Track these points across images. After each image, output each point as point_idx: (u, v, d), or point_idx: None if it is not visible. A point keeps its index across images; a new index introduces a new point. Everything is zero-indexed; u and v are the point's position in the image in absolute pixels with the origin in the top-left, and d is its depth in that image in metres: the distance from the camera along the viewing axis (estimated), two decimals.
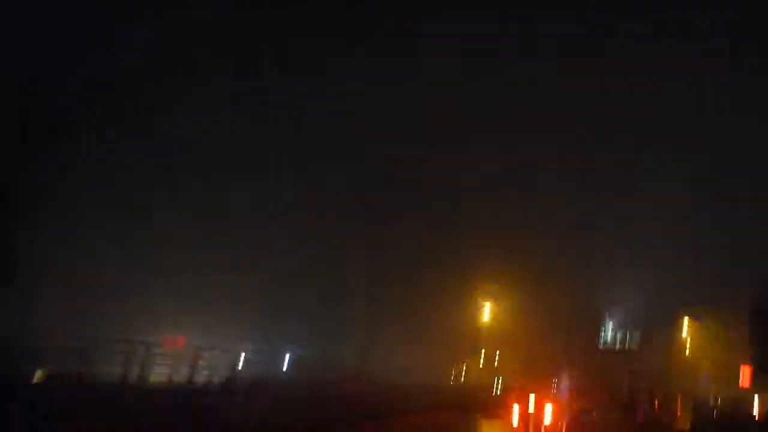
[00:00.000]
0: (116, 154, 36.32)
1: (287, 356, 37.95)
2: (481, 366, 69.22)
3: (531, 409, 26.18)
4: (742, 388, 49.75)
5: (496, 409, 32.07)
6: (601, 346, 61.51)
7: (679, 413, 35.21)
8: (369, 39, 50.80)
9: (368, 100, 49.89)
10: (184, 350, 28.48)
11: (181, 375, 25.11)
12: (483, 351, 67.55)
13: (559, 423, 26.54)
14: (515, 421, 26.53)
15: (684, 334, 53.87)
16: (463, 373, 56.78)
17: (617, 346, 61.59)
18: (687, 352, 53.58)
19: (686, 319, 52.28)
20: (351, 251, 50.31)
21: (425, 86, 53.01)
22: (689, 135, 57.17)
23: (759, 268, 28.92)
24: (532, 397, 26.42)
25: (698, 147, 55.23)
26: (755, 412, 41.91)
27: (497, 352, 66.99)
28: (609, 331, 62.95)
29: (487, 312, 47.81)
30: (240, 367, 32.02)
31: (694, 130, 56.98)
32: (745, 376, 48.85)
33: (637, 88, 57.89)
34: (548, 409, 25.68)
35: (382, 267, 52.57)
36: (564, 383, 43.61)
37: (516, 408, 26.42)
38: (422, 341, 56.91)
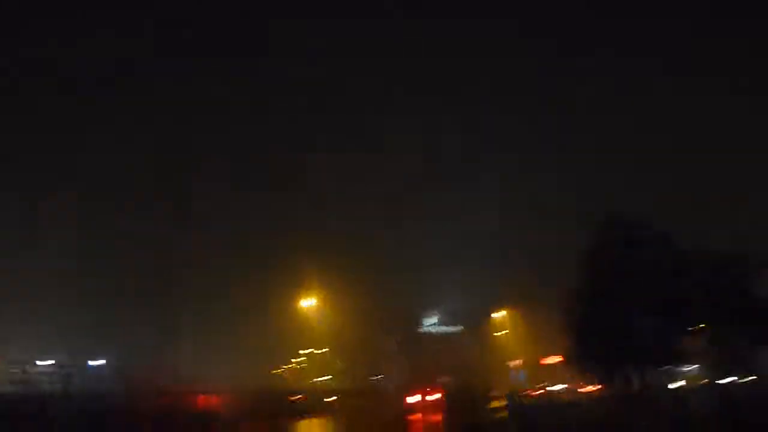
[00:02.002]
0: None
1: (90, 369, 37.61)
2: (303, 367, 66.42)
3: None
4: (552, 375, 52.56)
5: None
6: (422, 341, 61.90)
7: (497, 402, 35.50)
8: None
9: None
10: None
11: None
12: (309, 351, 64.91)
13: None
14: None
15: (501, 329, 55.46)
16: (286, 375, 53.60)
17: (438, 336, 62.48)
18: (503, 345, 55.12)
19: (504, 314, 53.72)
20: (157, 260, 46.69)
21: None
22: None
23: (567, 266, 29.50)
24: None
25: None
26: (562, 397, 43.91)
27: (322, 352, 64.82)
28: (431, 327, 63.52)
29: (310, 311, 44.99)
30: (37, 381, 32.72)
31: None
32: (553, 365, 51.55)
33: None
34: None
35: (191, 274, 48.63)
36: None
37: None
38: (234, 348, 53.11)
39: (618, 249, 25.57)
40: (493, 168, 56.92)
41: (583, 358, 27.64)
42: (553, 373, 52.17)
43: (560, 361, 48.05)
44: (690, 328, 25.15)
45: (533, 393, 50.13)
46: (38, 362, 35.36)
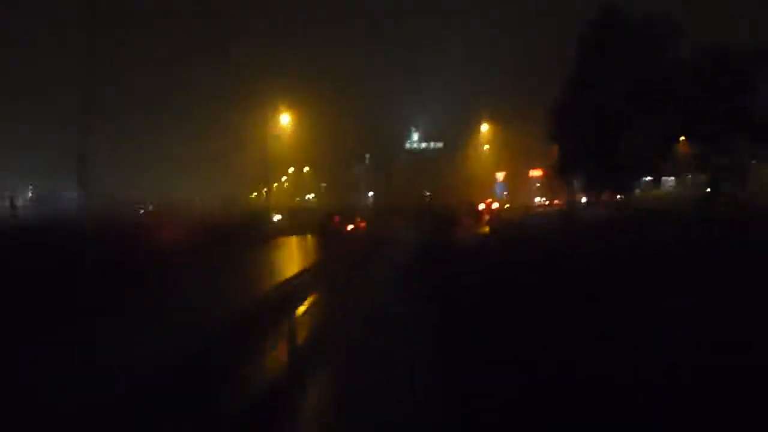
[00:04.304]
0: None
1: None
2: (286, 187, 66.04)
3: None
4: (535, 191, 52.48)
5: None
6: (406, 153, 60.84)
7: (480, 218, 35.01)
8: None
9: None
10: None
11: None
12: (291, 171, 63.94)
13: None
14: None
15: (483, 142, 53.99)
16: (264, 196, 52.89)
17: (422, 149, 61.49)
18: (486, 156, 54.04)
19: (485, 127, 51.83)
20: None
21: None
22: None
23: (558, 69, 26.43)
24: None
25: None
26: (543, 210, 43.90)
27: (304, 172, 63.94)
28: (414, 142, 62.22)
29: (285, 130, 42.66)
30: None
31: None
32: (536, 180, 51.19)
33: None
34: None
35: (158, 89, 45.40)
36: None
37: None
38: (219, 171, 51.69)
39: (613, 38, 22.41)
40: None
41: (567, 167, 26.10)
42: (535, 187, 52.07)
43: (542, 175, 47.75)
44: (682, 135, 23.28)
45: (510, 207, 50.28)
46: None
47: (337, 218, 31.03)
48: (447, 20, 49.37)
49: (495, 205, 45.45)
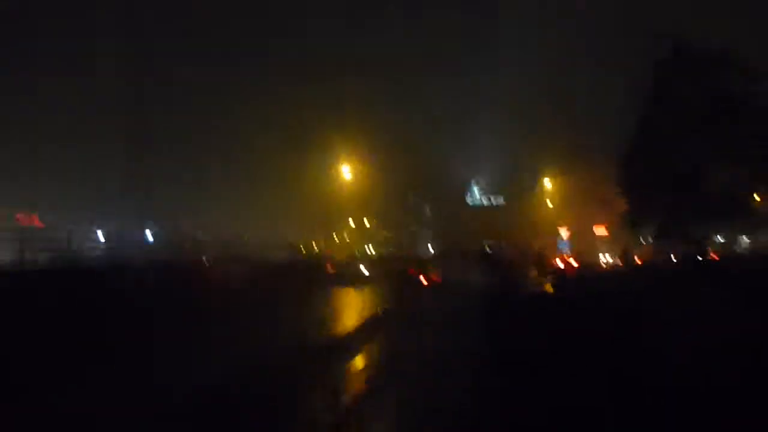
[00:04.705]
0: None
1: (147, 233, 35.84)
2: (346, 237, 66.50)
3: None
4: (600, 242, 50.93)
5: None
6: (467, 207, 60.52)
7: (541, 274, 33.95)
8: None
9: None
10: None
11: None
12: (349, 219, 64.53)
13: None
14: None
15: (546, 196, 53.29)
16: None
17: (484, 205, 61.02)
18: (549, 211, 53.17)
19: (548, 180, 51.22)
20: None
21: None
22: None
23: (623, 109, 25.35)
24: None
25: None
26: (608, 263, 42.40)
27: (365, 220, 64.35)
28: (475, 198, 61.94)
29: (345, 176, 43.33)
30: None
31: None
32: (600, 232, 49.77)
33: None
34: None
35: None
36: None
37: None
38: (283, 214, 52.61)
39: (686, 82, 21.66)
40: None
41: (639, 219, 25.09)
42: (601, 244, 50.59)
43: (609, 231, 46.44)
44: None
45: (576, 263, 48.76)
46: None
47: (412, 269, 31.82)
48: (502, 71, 49.44)
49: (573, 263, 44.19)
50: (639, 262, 34.38)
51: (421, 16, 59.84)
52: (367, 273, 36.14)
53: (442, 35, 62.67)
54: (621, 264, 39.70)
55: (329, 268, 37.21)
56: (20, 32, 41.33)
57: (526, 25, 51.87)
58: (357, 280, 32.35)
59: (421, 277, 30.25)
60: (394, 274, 31.62)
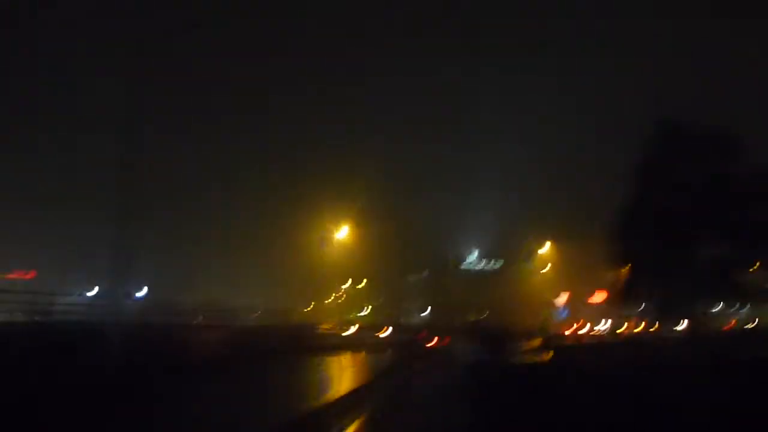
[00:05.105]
0: None
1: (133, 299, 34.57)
2: (340, 301, 65.72)
3: None
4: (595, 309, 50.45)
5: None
6: (463, 273, 60.09)
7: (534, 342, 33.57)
8: None
9: None
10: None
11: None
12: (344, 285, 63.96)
13: None
14: None
15: (543, 263, 53.12)
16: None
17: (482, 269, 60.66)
18: (546, 281, 52.93)
19: (547, 247, 51.16)
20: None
21: None
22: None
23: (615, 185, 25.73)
24: None
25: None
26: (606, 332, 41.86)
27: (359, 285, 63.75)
28: (474, 259, 61.58)
29: (340, 244, 43.28)
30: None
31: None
32: (596, 300, 49.30)
33: None
34: None
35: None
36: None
37: None
38: (273, 281, 52.26)
39: (676, 162, 21.76)
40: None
41: (632, 293, 24.80)
42: (597, 312, 50.05)
43: (605, 299, 45.96)
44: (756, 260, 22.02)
45: (573, 332, 48.16)
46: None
47: (422, 334, 32.26)
48: (504, 137, 50.23)
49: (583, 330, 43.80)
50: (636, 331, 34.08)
51: (425, 83, 60.75)
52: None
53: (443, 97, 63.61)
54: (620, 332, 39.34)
55: (317, 334, 37.11)
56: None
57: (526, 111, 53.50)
58: (344, 346, 32.30)
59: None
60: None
